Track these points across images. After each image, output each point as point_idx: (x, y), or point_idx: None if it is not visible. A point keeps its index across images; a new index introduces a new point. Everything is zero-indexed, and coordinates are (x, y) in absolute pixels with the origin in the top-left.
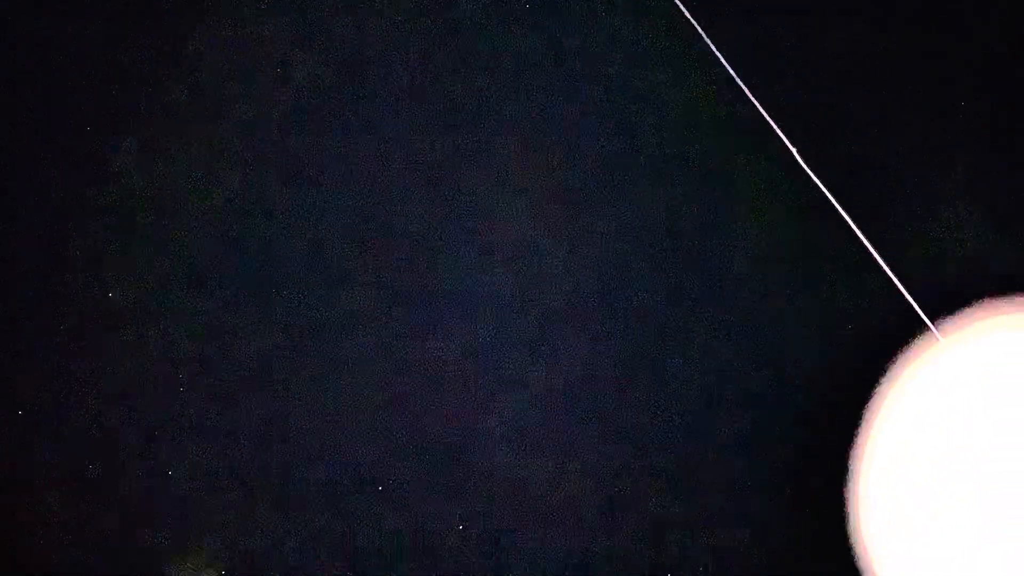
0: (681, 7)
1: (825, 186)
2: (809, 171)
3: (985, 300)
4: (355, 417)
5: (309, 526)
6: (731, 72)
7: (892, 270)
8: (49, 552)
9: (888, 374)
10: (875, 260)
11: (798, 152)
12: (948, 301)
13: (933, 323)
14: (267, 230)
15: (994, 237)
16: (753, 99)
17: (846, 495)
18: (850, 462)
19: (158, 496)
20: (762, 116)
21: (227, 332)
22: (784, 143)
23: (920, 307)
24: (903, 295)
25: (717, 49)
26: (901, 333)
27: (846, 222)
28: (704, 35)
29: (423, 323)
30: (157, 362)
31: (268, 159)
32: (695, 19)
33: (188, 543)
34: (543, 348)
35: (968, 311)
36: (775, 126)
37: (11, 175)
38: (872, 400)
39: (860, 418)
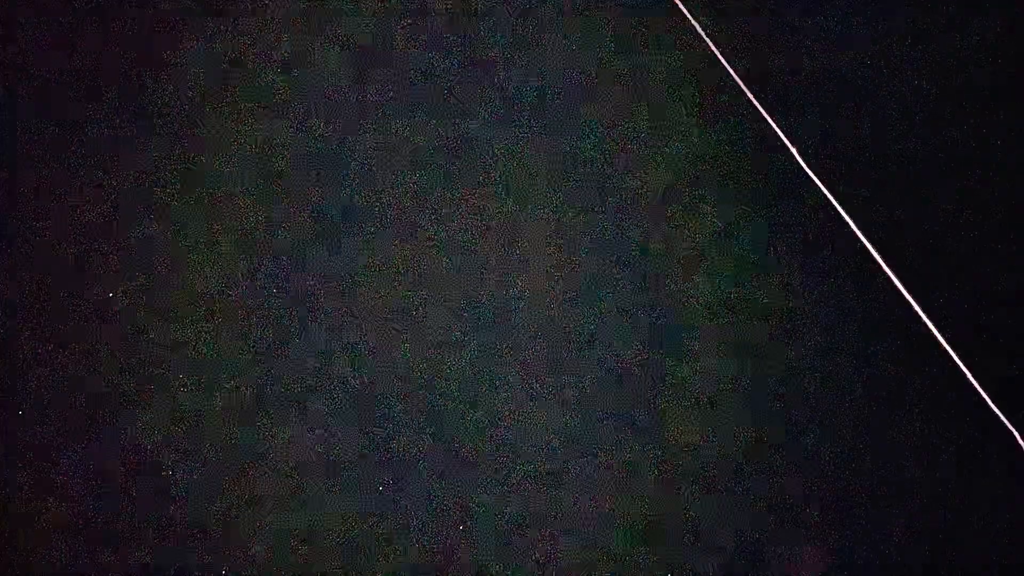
0: (681, 7)
1: (825, 186)
2: (809, 171)
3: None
4: (349, 421)
5: (308, 527)
6: (731, 72)
7: (893, 270)
8: (50, 552)
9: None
10: (876, 261)
11: (798, 152)
12: (949, 302)
13: (933, 322)
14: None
15: (994, 237)
16: (753, 99)
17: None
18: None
19: (158, 498)
20: (763, 116)
21: (231, 330)
22: (784, 143)
23: (921, 307)
24: (904, 296)
25: (717, 49)
26: (906, 335)
27: (848, 224)
28: (704, 35)
29: (440, 327)
30: (158, 364)
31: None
32: (695, 19)
33: (188, 544)
34: (555, 350)
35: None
36: (775, 126)
37: (8, 175)
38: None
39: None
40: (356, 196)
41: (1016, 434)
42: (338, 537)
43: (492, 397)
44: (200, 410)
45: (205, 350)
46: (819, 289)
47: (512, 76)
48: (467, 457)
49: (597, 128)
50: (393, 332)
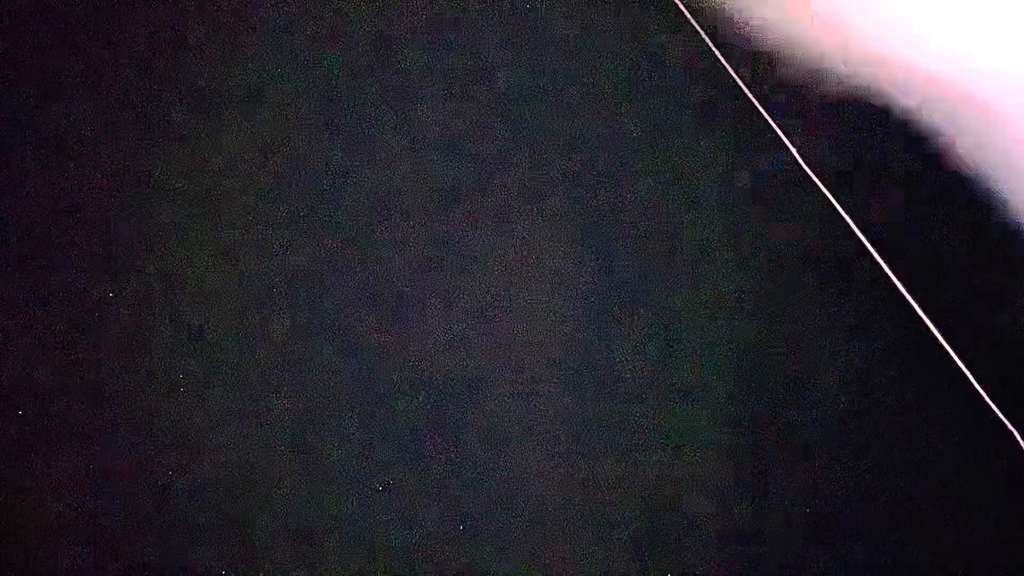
0: (680, 7)
1: (825, 187)
2: (809, 171)
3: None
4: (346, 421)
5: (308, 527)
6: (731, 72)
7: (893, 270)
8: (50, 552)
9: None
10: (877, 262)
11: (798, 152)
12: (949, 302)
13: (937, 327)
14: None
15: (994, 237)
16: (753, 99)
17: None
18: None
19: (157, 501)
20: (763, 116)
21: (232, 330)
22: (784, 143)
23: (921, 308)
24: (904, 296)
25: (717, 49)
26: (906, 335)
27: (847, 223)
28: (704, 35)
29: (443, 329)
30: (158, 363)
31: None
32: (695, 19)
33: (188, 543)
34: (554, 350)
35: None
36: (775, 127)
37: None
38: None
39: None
40: (356, 196)
41: (1016, 434)
42: (338, 537)
43: (492, 397)
44: (201, 410)
45: (207, 350)
46: (819, 289)
47: (512, 76)
48: (467, 456)
49: (597, 128)
50: (394, 332)
